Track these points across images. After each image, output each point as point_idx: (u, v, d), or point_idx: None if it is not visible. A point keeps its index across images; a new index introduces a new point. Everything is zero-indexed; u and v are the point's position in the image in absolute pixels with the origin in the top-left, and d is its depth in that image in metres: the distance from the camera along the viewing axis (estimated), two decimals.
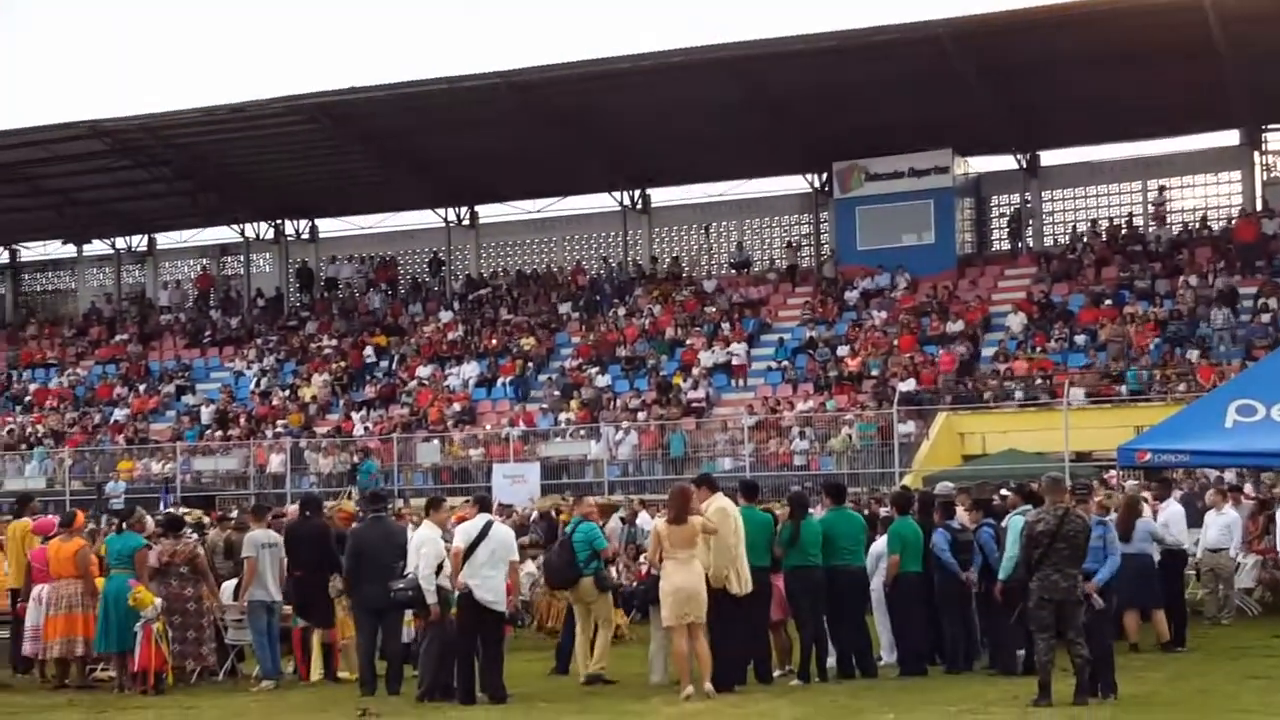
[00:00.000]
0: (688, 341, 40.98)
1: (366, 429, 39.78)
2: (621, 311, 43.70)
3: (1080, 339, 36.61)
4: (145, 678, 15.33)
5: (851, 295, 41.48)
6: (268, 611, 15.86)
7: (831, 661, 15.39)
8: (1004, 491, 19.01)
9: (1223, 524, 19.34)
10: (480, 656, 14.06)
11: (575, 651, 15.84)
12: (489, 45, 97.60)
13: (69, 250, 53.53)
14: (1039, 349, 36.46)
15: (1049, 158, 42.91)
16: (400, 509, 22.00)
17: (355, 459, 37.42)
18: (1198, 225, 40.97)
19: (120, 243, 52.64)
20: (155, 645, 15.32)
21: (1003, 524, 15.36)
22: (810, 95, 39.83)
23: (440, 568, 14.21)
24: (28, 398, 46.52)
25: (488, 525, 14.18)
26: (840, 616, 15.25)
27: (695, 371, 39.20)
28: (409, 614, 15.20)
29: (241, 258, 51.48)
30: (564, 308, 45.04)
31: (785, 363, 39.15)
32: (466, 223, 48.84)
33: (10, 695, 15.81)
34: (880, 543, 15.87)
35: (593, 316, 43.99)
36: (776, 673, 15.22)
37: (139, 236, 52.24)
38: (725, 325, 41.36)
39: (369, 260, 50.11)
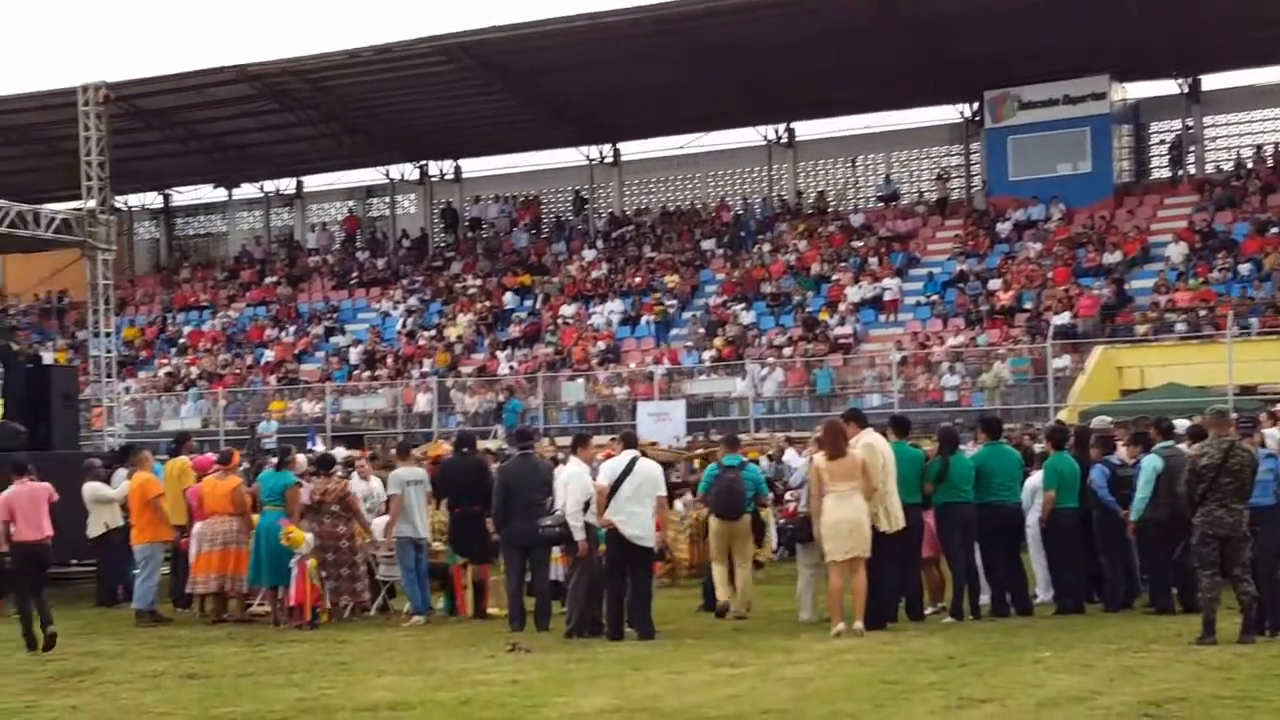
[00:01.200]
0: (834, 277, 40.49)
1: (511, 368, 40.01)
2: (766, 247, 43.30)
3: (1245, 269, 35.41)
4: (300, 612, 15.62)
5: (1003, 227, 40.61)
6: (415, 548, 15.97)
7: (986, 599, 15.11)
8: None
9: None
10: (629, 592, 14.01)
11: (715, 585, 15.78)
12: None
13: (220, 194, 54.46)
14: (1201, 280, 35.35)
15: (1210, 82, 41.47)
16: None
17: (501, 398, 37.67)
18: None
19: (269, 186, 53.50)
20: (309, 582, 15.59)
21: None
22: (960, 21, 38.86)
23: (587, 505, 14.16)
24: (182, 340, 47.66)
25: (633, 461, 14.10)
26: (996, 553, 14.95)
27: (842, 307, 38.72)
28: (557, 550, 15.22)
29: (387, 199, 52.05)
30: (708, 244, 44.76)
31: (935, 297, 38.49)
32: (610, 160, 48.69)
33: (171, 629, 16.21)
34: (1035, 478, 15.52)
35: (737, 253, 43.67)
36: (929, 610, 15.02)
37: (287, 179, 53.03)
38: (873, 260, 40.77)
39: (513, 200, 50.27)
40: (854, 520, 13.57)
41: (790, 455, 23.35)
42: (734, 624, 15.07)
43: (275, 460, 17.17)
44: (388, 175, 51.36)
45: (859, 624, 13.50)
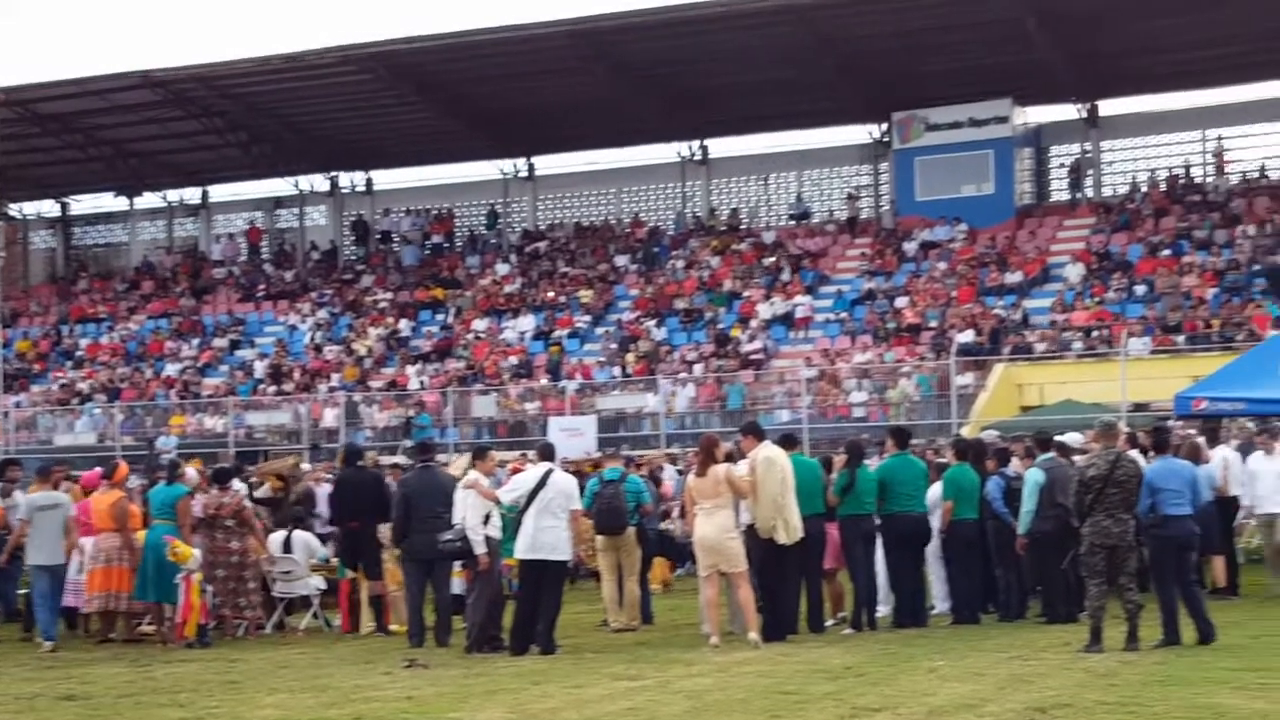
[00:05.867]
0: (746, 293, 40.83)
1: (422, 383, 39.90)
2: (680, 263, 43.57)
3: (1139, 289, 36.22)
4: (186, 629, 15.26)
5: (910, 246, 41.18)
6: (50, 575, 15.64)
7: (886, 610, 15.33)
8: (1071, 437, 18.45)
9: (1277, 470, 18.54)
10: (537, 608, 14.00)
11: (604, 600, 15.91)
12: None
13: (121, 203, 53.35)
14: (1097, 300, 36.09)
15: (1108, 107, 42.33)
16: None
17: (410, 413, 37.55)
18: (1257, 175, 40.34)
19: (173, 195, 52.64)
20: (195, 598, 15.27)
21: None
22: (870, 44, 39.49)
23: (488, 518, 14.18)
24: (79, 353, 46.76)
25: (547, 474, 14.07)
26: (902, 563, 15.17)
27: (753, 323, 39.08)
28: (457, 565, 15.21)
29: (296, 210, 51.65)
30: (621, 260, 44.95)
31: (844, 314, 38.95)
32: (524, 174, 48.74)
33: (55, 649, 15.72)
34: (935, 489, 15.77)
35: (651, 269, 43.89)
36: (829, 621, 15.19)
37: (192, 189, 52.24)
38: (784, 277, 41.16)
39: (425, 213, 50.15)
40: (716, 537, 13.71)
41: (668, 471, 23.57)
42: (635, 637, 15.17)
43: (165, 474, 16.82)
44: (297, 186, 50.96)
45: (753, 635, 13.65)
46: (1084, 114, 41.92)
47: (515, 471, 16.67)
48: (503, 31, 40.41)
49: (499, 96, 43.73)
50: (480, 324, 42.75)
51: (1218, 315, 33.87)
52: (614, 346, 39.68)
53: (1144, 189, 41.12)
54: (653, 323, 40.45)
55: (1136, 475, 12.82)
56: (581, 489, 15.24)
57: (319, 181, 50.75)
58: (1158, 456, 13.61)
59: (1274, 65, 39.15)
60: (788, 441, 15.28)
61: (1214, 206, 39.12)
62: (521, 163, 48.45)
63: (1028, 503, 14.76)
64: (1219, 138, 41.29)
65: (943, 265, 39.60)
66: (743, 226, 45.47)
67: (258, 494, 18.63)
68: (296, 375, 41.96)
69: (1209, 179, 41.00)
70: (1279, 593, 17.25)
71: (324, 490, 18.87)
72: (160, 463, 24.04)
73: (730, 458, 14.31)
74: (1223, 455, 17.91)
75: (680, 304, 41.31)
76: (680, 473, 23.13)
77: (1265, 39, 36.97)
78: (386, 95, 43.83)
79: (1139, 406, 28.71)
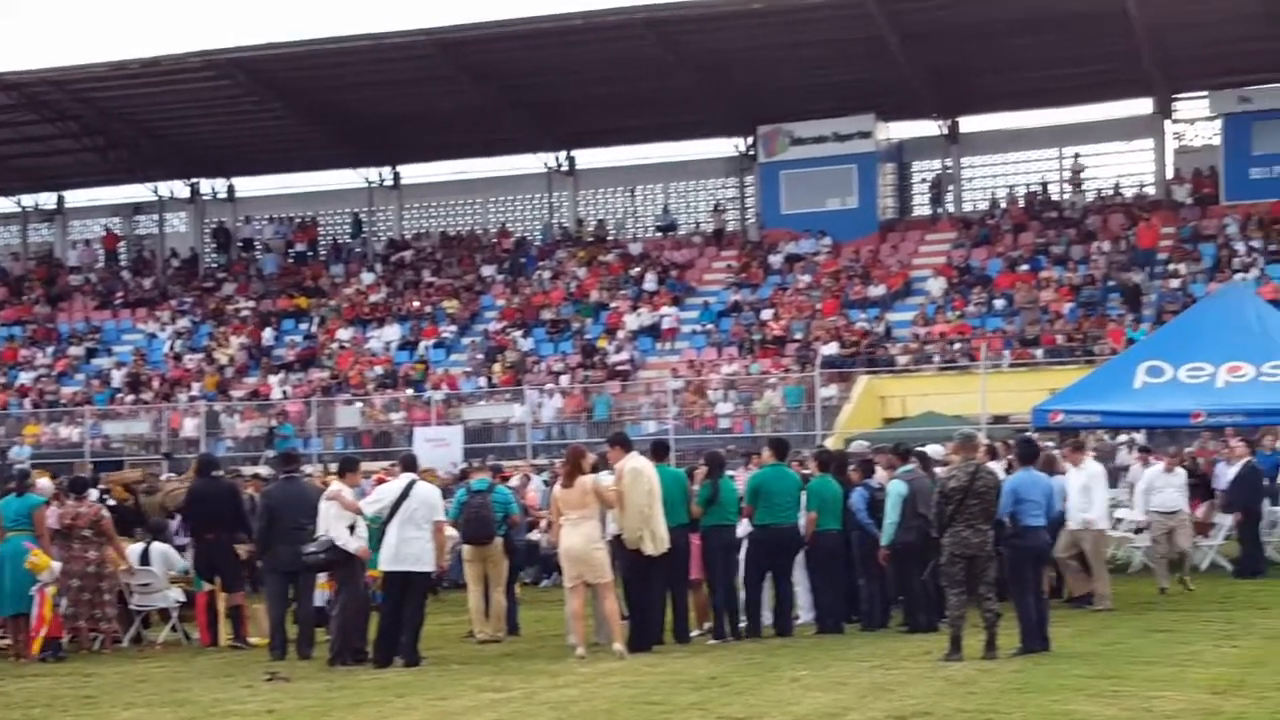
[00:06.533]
0: (613, 305, 40.92)
1: (285, 393, 39.40)
2: (546, 274, 43.53)
3: (998, 303, 36.96)
4: (35, 645, 14.90)
5: (775, 259, 41.59)
6: None
7: (809, 618, 15.56)
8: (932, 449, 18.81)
9: (1177, 484, 18.95)
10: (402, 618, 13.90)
11: (470, 611, 15.84)
12: (414, 1, 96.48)
13: None
14: (958, 313, 36.76)
15: (969, 124, 43.18)
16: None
17: (273, 423, 37.06)
18: (1111, 193, 41.40)
19: (27, 200, 51.41)
20: (48, 611, 14.92)
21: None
22: (736, 58, 39.83)
23: (352, 528, 14.05)
24: None
25: (410, 484, 13.97)
26: (777, 572, 15.28)
27: (620, 335, 39.17)
28: (321, 577, 15.04)
29: (155, 217, 50.69)
30: (488, 270, 44.79)
31: (710, 326, 39.21)
32: (389, 183, 48.36)
33: None
34: (801, 501, 15.88)
35: (517, 279, 43.80)
36: (695, 632, 15.24)
37: (47, 194, 51.07)
38: (650, 288, 41.31)
39: (289, 221, 49.54)
40: (583, 548, 13.74)
41: (534, 482, 23.57)
42: (501, 649, 15.10)
43: (13, 485, 16.35)
44: (156, 192, 49.98)
45: (617, 646, 13.67)
46: (945, 130, 42.70)
47: (380, 482, 16.51)
48: (367, 40, 40.10)
49: (364, 104, 43.38)
50: (345, 333, 42.33)
51: (1074, 329, 34.68)
52: (480, 357, 39.54)
53: (1003, 205, 41.99)
54: (519, 333, 40.38)
55: (995, 486, 13.06)
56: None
57: (179, 188, 49.87)
58: (1022, 467, 13.85)
59: (1127, 85, 40.27)
60: (660, 450, 15.34)
61: (1070, 223, 40.07)
62: (387, 171, 48.07)
63: (891, 514, 14.98)
64: (1076, 155, 42.31)
65: (807, 278, 40.06)
66: (610, 238, 45.59)
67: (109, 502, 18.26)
68: (155, 384, 41.18)
69: (1066, 196, 41.98)
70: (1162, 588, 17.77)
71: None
72: (11, 473, 23.40)
73: (596, 468, 14.33)
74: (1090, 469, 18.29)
75: (547, 314, 41.29)
76: (546, 483, 23.11)
77: (1118, 60, 38.00)
78: (248, 101, 43.24)
79: (999, 419, 29.26)
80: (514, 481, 18.87)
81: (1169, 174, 41.03)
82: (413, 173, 48.50)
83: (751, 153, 43.66)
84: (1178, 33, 36.65)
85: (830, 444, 27.94)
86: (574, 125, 44.27)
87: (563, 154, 46.33)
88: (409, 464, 14.67)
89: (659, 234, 45.52)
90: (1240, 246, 36.51)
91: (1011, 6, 35.64)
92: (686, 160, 45.99)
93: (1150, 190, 41.19)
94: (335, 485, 14.45)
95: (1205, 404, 19.91)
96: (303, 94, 43.11)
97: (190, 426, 37.51)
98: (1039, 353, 34.18)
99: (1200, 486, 21.22)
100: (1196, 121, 41.32)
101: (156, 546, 16.74)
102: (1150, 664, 12.26)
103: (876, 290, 38.64)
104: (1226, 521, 20.30)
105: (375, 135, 45.33)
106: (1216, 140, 40.01)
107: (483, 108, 42.44)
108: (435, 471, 25.41)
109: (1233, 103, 38.96)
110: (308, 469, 21.92)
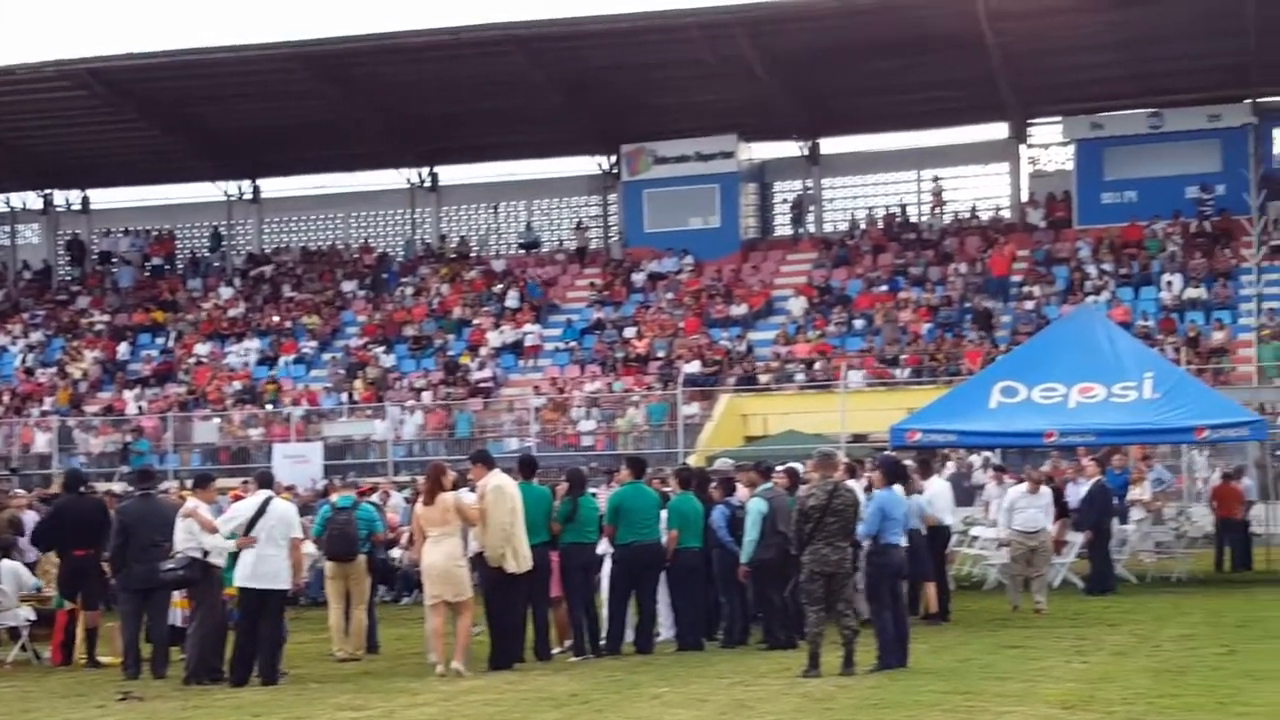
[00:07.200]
0: (475, 321, 40.78)
1: (140, 408, 38.66)
2: (409, 290, 43.26)
3: (858, 323, 37.50)
4: None
5: (638, 277, 41.77)
6: None
7: (669, 634, 15.57)
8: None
9: (1041, 504, 18.89)
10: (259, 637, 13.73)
11: (331, 629, 15.70)
12: (276, 14, 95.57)
13: None
14: (819, 333, 37.24)
15: (830, 146, 43.77)
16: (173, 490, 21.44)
17: (127, 438, 36.35)
18: (968, 215, 42.28)
19: None
20: None
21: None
22: (598, 77, 40.01)
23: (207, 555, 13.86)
24: None
25: (266, 501, 13.84)
26: (642, 590, 15.33)
27: (483, 352, 39.04)
28: (176, 595, 14.80)
29: (6, 228, 49.48)
30: (349, 285, 44.38)
31: (573, 343, 39.25)
32: (249, 197, 47.71)
33: None
34: (662, 518, 15.96)
35: (379, 295, 43.46)
36: (556, 649, 15.23)
37: None
38: (512, 304, 41.24)
39: (146, 234, 48.62)
40: (445, 565, 13.71)
41: (395, 499, 23.42)
42: (360, 667, 14.98)
43: None
44: (8, 203, 48.89)
45: (456, 664, 13.63)
46: (806, 152, 43.25)
47: (236, 499, 16.28)
48: (227, 51, 39.58)
49: (224, 116, 42.81)
50: (202, 348, 41.68)
51: (934, 349, 35.29)
52: (341, 373, 39.15)
53: (863, 226, 42.63)
54: (381, 349, 40.06)
55: (854, 504, 13.24)
56: None
57: (32, 199, 48.76)
58: (886, 485, 14.00)
59: (984, 110, 41.16)
60: (528, 467, 15.33)
61: (928, 244, 40.80)
62: (247, 184, 47.43)
63: (751, 531, 15.09)
64: (934, 178, 43.11)
65: (670, 296, 40.30)
66: (473, 254, 45.43)
67: None
68: (6, 398, 40.16)
69: (924, 218, 42.74)
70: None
71: (30, 517, 18.10)
72: None
73: (457, 485, 14.29)
74: (935, 485, 18.58)
75: (409, 331, 41.03)
76: (408, 501, 22.95)
77: (975, 85, 38.82)
78: (104, 112, 42.44)
79: (858, 437, 29.69)
80: (374, 499, 18.69)
81: (1024, 197, 41.99)
82: (273, 186, 47.99)
83: (615, 171, 43.85)
84: (1033, 59, 37.63)
85: (692, 462, 28.17)
86: (438, 141, 44.10)
87: (426, 170, 46.11)
88: (265, 481, 14.55)
89: (522, 251, 45.48)
90: (1092, 269, 37.47)
91: (871, 31, 36.27)
92: (550, 178, 46.05)
93: (1006, 213, 42.11)
94: (191, 502, 14.24)
95: (1057, 424, 20.39)
96: (161, 105, 42.41)
97: (42, 441, 36.72)
98: (899, 372, 34.72)
99: (1055, 505, 21.69)
100: (1051, 146, 42.40)
101: (6, 564, 16.37)
102: (1003, 679, 12.49)
103: (738, 309, 39.00)
104: (1078, 540, 20.74)
105: (235, 148, 44.73)
106: (1070, 165, 41.04)
107: (345, 122, 42.10)
108: (296, 489, 25.28)
109: (1085, 128, 40.02)
110: (164, 485, 21.50)
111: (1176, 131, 39.00)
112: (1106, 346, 21.29)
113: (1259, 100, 38.55)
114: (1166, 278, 36.69)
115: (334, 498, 16.45)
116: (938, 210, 42.75)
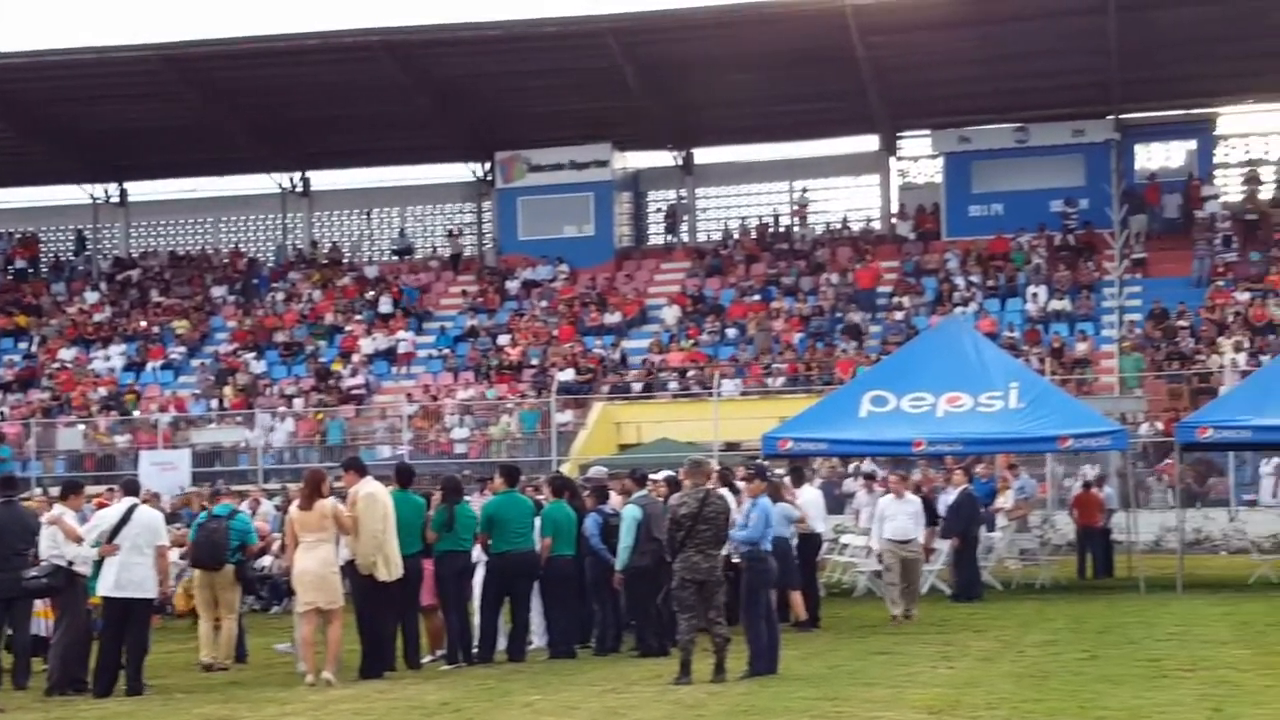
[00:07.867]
0: (347, 328, 40.43)
1: (2, 414, 37.81)
2: (280, 296, 42.76)
3: (731, 332, 37.79)
4: None
5: (513, 285, 41.71)
6: None
7: (541, 643, 15.56)
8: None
9: (910, 512, 18.76)
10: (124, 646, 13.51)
11: (200, 638, 15.50)
12: (144, 16, 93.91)
13: None
14: (692, 341, 37.46)
15: (704, 156, 44.11)
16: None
17: None
18: (839, 226, 42.82)
19: None
20: None
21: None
22: (475, 84, 39.95)
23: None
24: None
25: (131, 509, 13.60)
26: (515, 598, 15.30)
27: (355, 358, 38.71)
28: (39, 604, 14.50)
29: None
30: (219, 291, 43.76)
31: (446, 351, 39.07)
32: (116, 200, 46.83)
33: None
34: (536, 525, 15.94)
35: (250, 300, 42.91)
36: (427, 658, 15.16)
37: None
38: (385, 311, 40.96)
39: (8, 236, 47.51)
40: (318, 572, 13.62)
41: (265, 507, 23.17)
42: (229, 676, 14.78)
43: None
44: None
45: (327, 674, 13.53)
46: (680, 161, 43.54)
47: (100, 507, 15.97)
48: (91, 53, 38.86)
49: (88, 119, 42.04)
50: (67, 353, 40.85)
51: (807, 359, 35.67)
52: (210, 379, 38.58)
53: (736, 236, 42.99)
54: (251, 355, 39.55)
55: (725, 512, 13.33)
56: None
57: None
58: (764, 494, 14.03)
59: (855, 122, 41.75)
60: (404, 475, 15.24)
61: (800, 255, 41.25)
62: (113, 188, 46.57)
63: (625, 539, 15.14)
64: (804, 189, 43.61)
65: (544, 304, 40.30)
66: (345, 260, 45.03)
67: None
68: None
69: (796, 228, 43.20)
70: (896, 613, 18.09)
71: None
72: None
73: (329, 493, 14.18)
74: (807, 494, 18.76)
75: (280, 337, 40.58)
76: (278, 508, 22.70)
77: (845, 98, 39.39)
78: None
79: (731, 446, 29.91)
80: (243, 506, 18.48)
81: (894, 209, 42.63)
82: (141, 190, 47.23)
83: (489, 178, 43.76)
84: (903, 74, 38.27)
85: (566, 469, 28.20)
86: (309, 146, 43.70)
87: (297, 174, 45.64)
88: (130, 488, 14.29)
89: (395, 258, 45.17)
90: (960, 281, 38.15)
91: (743, 43, 36.61)
92: (423, 184, 45.87)
93: (876, 225, 42.72)
94: (57, 509, 13.96)
95: (926, 433, 20.72)
96: (24, 106, 41.52)
97: None
98: (773, 381, 35.04)
99: (925, 513, 22.00)
100: (920, 159, 43.04)
101: None
102: (871, 685, 12.67)
103: (612, 317, 39.12)
104: (945, 547, 21.09)
105: (101, 150, 43.94)
106: (939, 178, 41.75)
107: (214, 126, 41.53)
108: (160, 496, 24.85)
109: (954, 142, 40.74)
110: (28, 493, 21.04)
111: (1042, 146, 39.84)
112: (973, 357, 21.64)
113: (1121, 116, 39.52)
114: (1032, 290, 37.47)
115: (212, 506, 16.21)
116: (803, 222, 43.19)
